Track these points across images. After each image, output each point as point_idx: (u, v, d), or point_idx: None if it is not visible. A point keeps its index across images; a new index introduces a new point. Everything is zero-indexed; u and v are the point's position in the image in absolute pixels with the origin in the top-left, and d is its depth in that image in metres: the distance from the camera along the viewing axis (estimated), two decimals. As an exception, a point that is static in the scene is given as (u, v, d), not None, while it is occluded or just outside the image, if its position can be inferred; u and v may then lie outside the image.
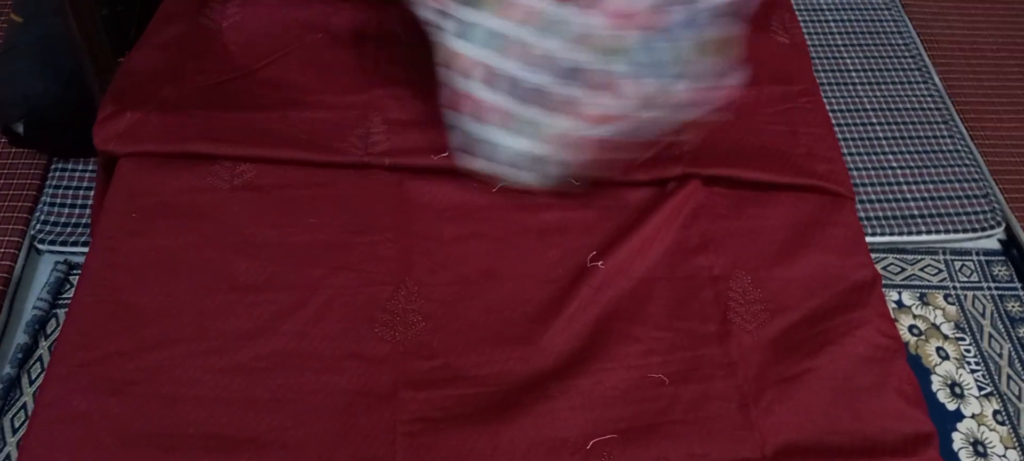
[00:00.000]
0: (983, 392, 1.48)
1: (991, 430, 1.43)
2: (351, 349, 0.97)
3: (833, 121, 1.23)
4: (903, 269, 1.64)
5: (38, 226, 1.53)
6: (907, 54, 1.99)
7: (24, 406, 1.32)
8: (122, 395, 0.92)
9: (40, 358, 1.38)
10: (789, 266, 1.06)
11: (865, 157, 1.77)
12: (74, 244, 1.50)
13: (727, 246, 1.07)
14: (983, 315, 1.59)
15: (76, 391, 0.92)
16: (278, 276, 1.02)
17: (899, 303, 1.59)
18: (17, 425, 1.29)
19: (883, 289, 1.57)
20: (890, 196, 1.71)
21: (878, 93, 1.90)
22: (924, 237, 1.67)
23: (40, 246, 1.51)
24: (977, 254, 1.68)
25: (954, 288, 1.62)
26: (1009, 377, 1.50)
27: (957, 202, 1.71)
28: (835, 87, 1.91)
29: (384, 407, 0.94)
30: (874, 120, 1.85)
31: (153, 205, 1.07)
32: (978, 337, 1.55)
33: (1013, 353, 1.54)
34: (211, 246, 1.04)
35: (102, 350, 0.95)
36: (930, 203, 1.71)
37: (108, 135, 1.12)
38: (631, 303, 1.03)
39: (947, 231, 1.67)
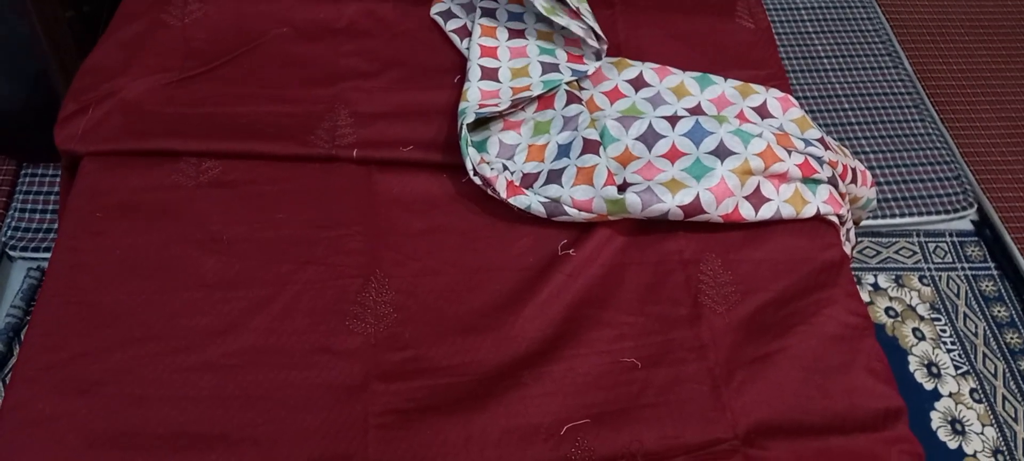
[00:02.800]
0: (960, 371, 1.49)
1: (968, 408, 1.44)
2: (321, 343, 0.96)
3: (804, 107, 1.24)
4: (878, 252, 1.65)
5: (9, 232, 1.51)
6: (877, 40, 2.00)
7: None
8: (89, 396, 0.91)
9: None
10: (759, 248, 1.06)
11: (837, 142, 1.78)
12: (47, 250, 1.49)
13: (698, 229, 1.07)
14: (958, 295, 1.60)
15: (42, 393, 0.91)
16: (246, 272, 1.01)
17: (875, 286, 1.60)
18: (-10, 433, 1.28)
19: (858, 272, 1.59)
20: (863, 180, 1.72)
21: (849, 79, 1.91)
22: (898, 220, 1.68)
23: (12, 253, 1.50)
24: (950, 235, 1.69)
25: (929, 269, 1.63)
26: (985, 355, 1.51)
27: (930, 185, 1.73)
28: (806, 74, 1.92)
29: (355, 400, 0.93)
30: (845, 106, 1.86)
31: (117, 204, 1.05)
32: (953, 317, 1.56)
33: (988, 332, 1.55)
34: (177, 244, 1.03)
35: (68, 351, 0.94)
36: (903, 186, 1.72)
37: (69, 134, 1.10)
38: (602, 289, 1.03)
39: (920, 213, 1.68)
